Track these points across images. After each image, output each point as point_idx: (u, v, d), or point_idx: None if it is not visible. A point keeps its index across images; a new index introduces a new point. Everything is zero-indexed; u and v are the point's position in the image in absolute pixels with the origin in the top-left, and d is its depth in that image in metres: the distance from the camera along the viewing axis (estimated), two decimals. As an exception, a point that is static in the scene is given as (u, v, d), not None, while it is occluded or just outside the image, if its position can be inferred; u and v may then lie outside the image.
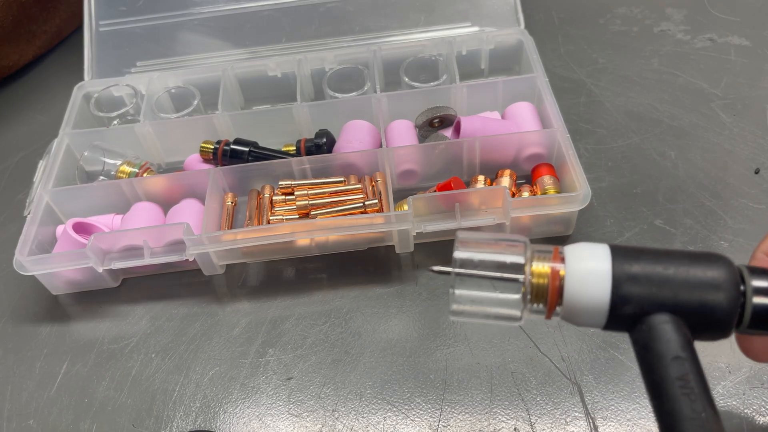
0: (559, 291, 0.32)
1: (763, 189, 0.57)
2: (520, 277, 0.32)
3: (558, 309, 0.32)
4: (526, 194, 0.56)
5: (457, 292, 0.33)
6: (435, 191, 0.55)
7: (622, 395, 0.45)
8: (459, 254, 0.33)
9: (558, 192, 0.55)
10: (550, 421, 0.44)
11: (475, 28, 0.71)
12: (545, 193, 0.55)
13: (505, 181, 0.57)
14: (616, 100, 0.68)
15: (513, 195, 0.55)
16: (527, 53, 0.66)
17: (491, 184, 0.58)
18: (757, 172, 0.59)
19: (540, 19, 0.80)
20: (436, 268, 0.34)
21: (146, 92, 0.66)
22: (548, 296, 0.32)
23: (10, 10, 0.75)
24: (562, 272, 0.32)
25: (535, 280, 0.32)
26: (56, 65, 0.83)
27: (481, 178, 0.58)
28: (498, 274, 0.32)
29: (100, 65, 0.72)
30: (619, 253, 0.32)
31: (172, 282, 0.57)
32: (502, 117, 0.64)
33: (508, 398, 0.46)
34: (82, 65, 0.71)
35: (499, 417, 0.45)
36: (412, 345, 0.50)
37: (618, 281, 0.31)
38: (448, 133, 0.62)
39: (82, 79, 0.70)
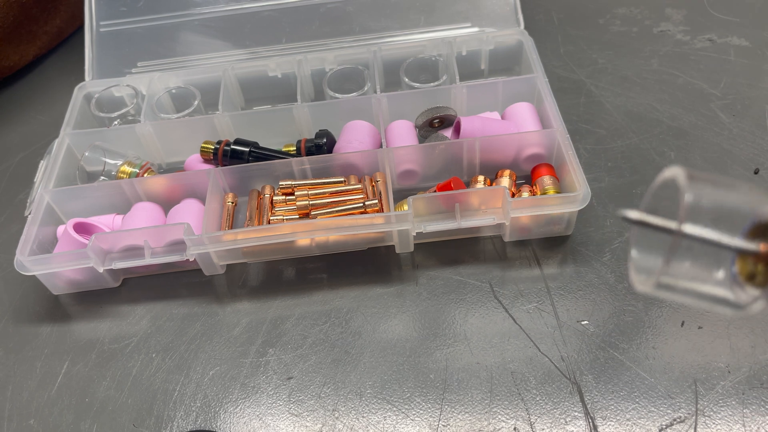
0: None
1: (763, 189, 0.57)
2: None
3: None
4: (525, 194, 0.56)
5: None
6: (435, 191, 0.55)
7: (621, 395, 0.45)
8: (691, 197, 0.20)
9: (558, 192, 0.55)
10: (550, 421, 0.44)
11: (475, 29, 0.71)
12: (545, 194, 0.55)
13: (505, 181, 0.57)
14: (615, 101, 0.68)
15: (513, 195, 0.55)
16: (527, 54, 0.66)
17: (491, 185, 0.58)
18: (756, 172, 0.59)
19: (540, 19, 0.80)
20: (633, 214, 0.22)
21: (147, 92, 0.66)
22: None
23: (11, 11, 0.76)
24: None
25: None
26: (57, 66, 0.83)
27: (481, 178, 0.58)
28: (737, 242, 0.21)
29: (101, 66, 0.72)
30: None
31: (173, 282, 0.57)
32: (502, 117, 0.64)
33: (507, 398, 0.46)
34: (82, 66, 0.71)
35: (499, 417, 0.45)
36: (412, 345, 0.50)
37: None
38: (448, 133, 0.62)
39: (82, 79, 0.70)
